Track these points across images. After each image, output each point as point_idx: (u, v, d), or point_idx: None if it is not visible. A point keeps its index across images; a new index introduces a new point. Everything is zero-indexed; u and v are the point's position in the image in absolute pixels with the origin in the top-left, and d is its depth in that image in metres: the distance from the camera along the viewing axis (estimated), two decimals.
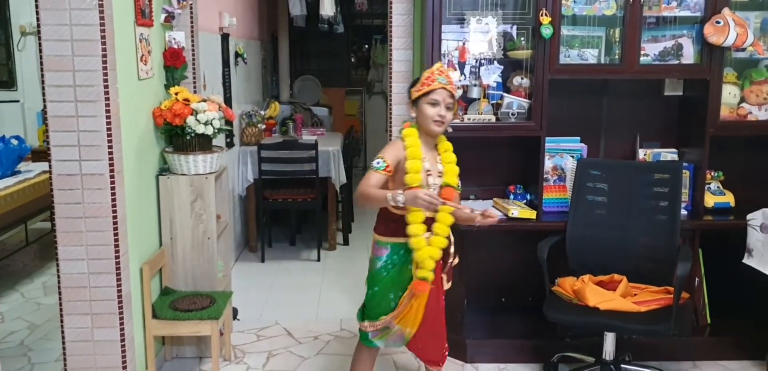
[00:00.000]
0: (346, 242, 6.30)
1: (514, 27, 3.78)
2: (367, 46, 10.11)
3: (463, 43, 3.73)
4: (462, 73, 3.75)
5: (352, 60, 10.20)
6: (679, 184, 3.38)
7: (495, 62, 3.75)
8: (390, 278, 2.89)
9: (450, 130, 3.00)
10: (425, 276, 2.78)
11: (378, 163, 2.81)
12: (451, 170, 2.89)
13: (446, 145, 2.93)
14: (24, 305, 4.83)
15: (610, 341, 3.31)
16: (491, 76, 3.76)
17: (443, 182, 2.87)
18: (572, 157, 3.83)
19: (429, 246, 2.78)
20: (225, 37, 5.43)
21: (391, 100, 4.10)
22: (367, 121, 10.05)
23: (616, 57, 3.68)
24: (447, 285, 3.00)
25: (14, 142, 5.58)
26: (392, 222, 2.86)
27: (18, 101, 7.38)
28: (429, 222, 2.80)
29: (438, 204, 2.68)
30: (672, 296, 3.18)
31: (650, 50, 3.70)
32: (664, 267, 3.35)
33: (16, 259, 5.80)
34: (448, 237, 2.84)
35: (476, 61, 3.77)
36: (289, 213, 6.34)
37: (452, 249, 2.91)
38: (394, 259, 2.89)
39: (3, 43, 7.43)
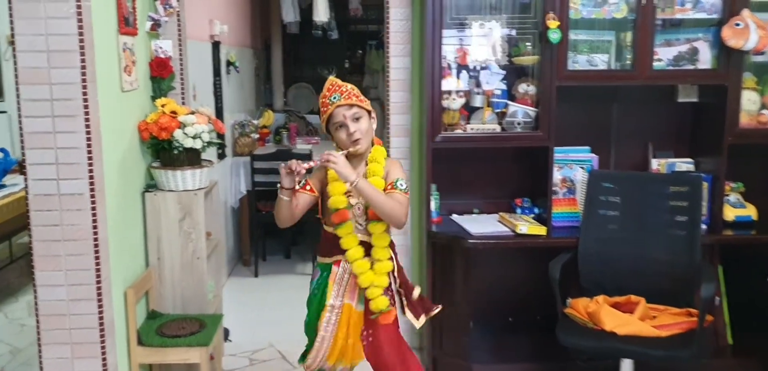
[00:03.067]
0: None
1: (514, 31, 3.58)
2: (360, 51, 9.90)
3: (463, 48, 3.53)
4: (469, 77, 3.55)
5: (347, 66, 10.00)
6: (699, 197, 3.19)
7: (498, 68, 3.55)
8: (315, 304, 2.68)
9: (374, 126, 2.66)
10: (379, 308, 2.56)
11: (300, 182, 2.61)
12: (375, 182, 2.54)
13: (377, 156, 2.61)
14: (6, 326, 4.62)
15: (627, 368, 3.10)
16: (494, 82, 3.57)
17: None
18: (582, 168, 3.63)
19: (372, 272, 2.56)
20: (216, 45, 5.23)
21: (388, 110, 3.89)
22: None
23: (628, 62, 3.49)
24: (418, 324, 2.69)
25: None
26: (324, 242, 2.68)
27: (5, 112, 7.16)
28: (365, 246, 2.59)
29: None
30: (694, 318, 2.98)
31: (663, 55, 3.50)
32: (684, 286, 3.16)
33: (0, 277, 5.57)
34: (390, 259, 2.62)
35: (477, 67, 3.57)
36: None
37: (396, 279, 2.65)
38: (320, 282, 2.68)
39: None
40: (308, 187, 2.61)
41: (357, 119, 2.55)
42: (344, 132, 2.55)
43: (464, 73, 3.57)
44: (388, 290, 2.61)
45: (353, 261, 2.57)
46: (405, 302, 2.68)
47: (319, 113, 2.65)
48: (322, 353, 2.66)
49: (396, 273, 2.65)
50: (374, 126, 2.65)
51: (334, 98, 2.55)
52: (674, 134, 3.81)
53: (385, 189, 2.55)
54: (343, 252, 2.60)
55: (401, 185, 2.56)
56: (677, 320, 3.05)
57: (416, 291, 2.71)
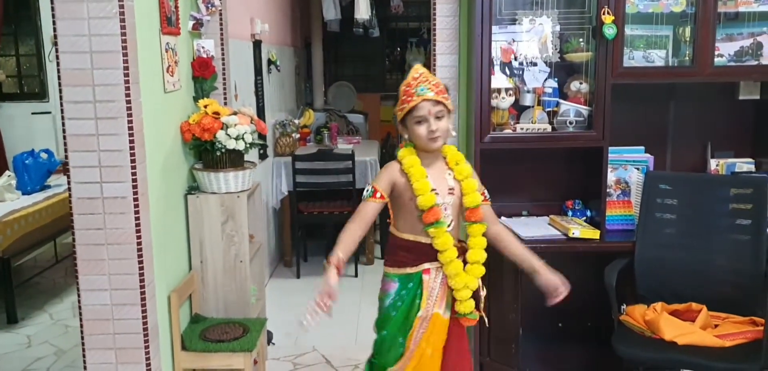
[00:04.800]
0: (383, 255, 5.99)
1: (565, 26, 3.43)
2: (399, 49, 9.79)
3: (509, 44, 3.41)
4: (511, 75, 3.42)
5: (387, 64, 9.92)
6: (764, 199, 3.01)
7: (544, 66, 3.42)
8: (399, 317, 2.51)
9: (454, 134, 2.59)
10: (466, 311, 2.47)
11: (367, 190, 2.49)
12: (469, 186, 2.51)
13: (456, 156, 2.55)
14: (52, 327, 4.64)
15: None
16: (541, 80, 3.44)
17: (466, 203, 2.50)
18: (637, 169, 3.48)
19: (465, 274, 2.46)
20: (257, 44, 5.18)
21: None
22: None
23: (686, 58, 3.32)
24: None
25: (44, 155, 5.44)
26: (401, 251, 2.53)
27: (49, 113, 7.27)
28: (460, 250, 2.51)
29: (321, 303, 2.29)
30: (760, 328, 2.82)
31: (724, 50, 3.32)
32: (747, 294, 2.99)
33: (46, 277, 5.63)
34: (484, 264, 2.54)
35: (522, 64, 3.44)
36: (325, 226, 6.05)
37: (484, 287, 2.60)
38: (403, 294, 2.51)
39: (34, 54, 7.34)
40: (378, 194, 2.47)
41: (439, 117, 2.42)
42: (425, 128, 2.41)
43: (507, 71, 3.44)
44: (475, 294, 2.53)
45: (449, 261, 2.45)
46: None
47: (399, 100, 2.48)
48: (402, 367, 2.53)
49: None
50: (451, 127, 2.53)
51: (422, 90, 2.40)
52: (734, 133, 3.62)
53: (483, 202, 2.54)
54: (430, 258, 2.48)
55: (488, 196, 2.55)
56: (741, 329, 2.89)
57: (483, 292, 2.62)
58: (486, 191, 2.58)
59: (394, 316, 2.52)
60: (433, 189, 2.44)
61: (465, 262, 2.50)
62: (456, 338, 2.55)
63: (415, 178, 2.43)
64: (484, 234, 2.54)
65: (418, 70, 2.48)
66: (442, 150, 2.52)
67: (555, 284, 2.51)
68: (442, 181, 2.49)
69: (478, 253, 2.50)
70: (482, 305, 2.58)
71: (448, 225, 2.47)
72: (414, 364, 2.51)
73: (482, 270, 2.51)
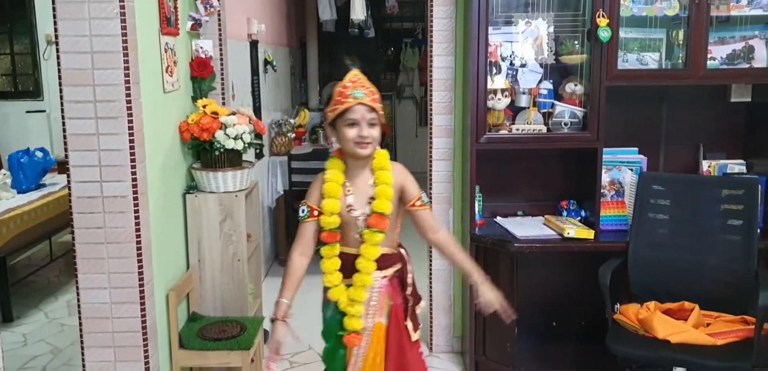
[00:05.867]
0: None
1: (561, 29, 3.47)
2: (392, 49, 9.82)
3: (499, 46, 3.45)
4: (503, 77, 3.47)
5: (381, 64, 9.94)
6: (755, 201, 3.06)
7: (537, 67, 3.47)
8: (337, 329, 2.48)
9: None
10: (353, 327, 2.41)
11: (303, 210, 2.45)
12: (383, 193, 2.38)
13: (381, 162, 2.43)
14: (47, 326, 4.64)
15: None
16: (536, 81, 3.48)
17: (373, 208, 2.39)
18: (631, 170, 3.52)
19: (353, 289, 2.42)
20: (254, 44, 5.20)
21: (431, 111, 3.82)
22: (397, 126, 9.81)
23: (679, 61, 3.37)
24: (415, 336, 2.54)
25: (39, 154, 5.43)
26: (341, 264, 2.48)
27: (44, 111, 7.26)
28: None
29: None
30: (751, 327, 2.86)
31: (717, 53, 3.38)
32: (738, 293, 3.03)
33: (41, 275, 5.62)
34: (399, 277, 2.49)
35: (516, 65, 3.48)
36: None
37: (410, 291, 2.53)
38: (340, 308, 2.47)
39: (29, 52, 7.33)
40: (316, 212, 2.42)
41: (372, 125, 2.36)
42: (356, 131, 2.33)
43: (502, 72, 3.48)
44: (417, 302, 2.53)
45: (332, 286, 2.43)
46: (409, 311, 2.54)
47: (330, 103, 2.42)
48: None
49: (409, 281, 2.53)
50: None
51: (358, 93, 2.34)
52: (726, 135, 3.68)
53: (412, 205, 2.44)
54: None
55: (426, 200, 2.48)
56: (732, 328, 2.93)
57: (421, 304, 2.59)
58: (424, 195, 2.49)
59: (334, 330, 2.50)
60: (348, 206, 2.39)
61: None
62: (408, 347, 2.51)
63: (327, 193, 2.39)
64: (431, 241, 2.52)
65: (355, 74, 2.42)
66: (373, 158, 2.44)
67: (490, 303, 2.44)
68: (364, 191, 2.43)
69: (367, 264, 2.40)
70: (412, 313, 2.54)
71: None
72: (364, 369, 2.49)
73: (369, 281, 2.41)
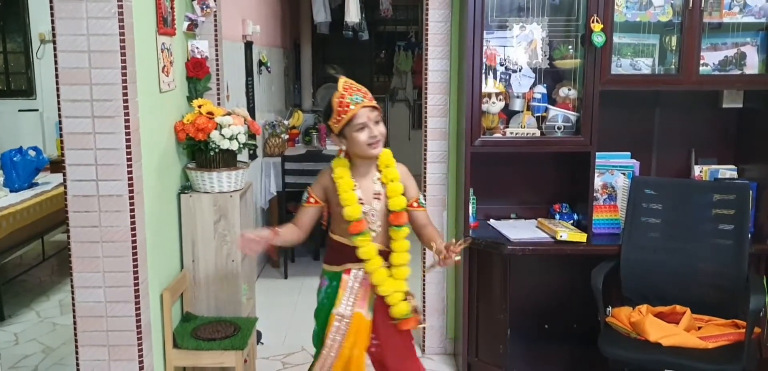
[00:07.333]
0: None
1: (555, 33, 3.50)
2: (384, 52, 9.84)
3: (493, 50, 3.48)
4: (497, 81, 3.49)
5: (374, 67, 9.97)
6: (746, 205, 3.09)
7: (530, 71, 3.49)
8: (327, 311, 2.63)
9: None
10: (402, 314, 2.55)
11: (304, 195, 2.65)
12: (394, 190, 2.57)
13: (387, 159, 2.61)
14: (39, 325, 4.63)
15: None
16: (528, 85, 3.50)
17: (390, 207, 2.57)
18: (623, 174, 3.55)
19: (392, 279, 2.56)
20: (248, 45, 5.21)
21: (426, 113, 3.84)
22: (390, 129, 9.83)
23: (672, 66, 3.40)
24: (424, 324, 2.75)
25: (32, 153, 5.41)
26: (332, 250, 2.66)
27: (37, 110, 7.23)
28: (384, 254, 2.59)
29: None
30: (741, 330, 2.90)
31: (709, 59, 3.42)
32: (729, 297, 3.07)
33: (33, 275, 5.61)
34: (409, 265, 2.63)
35: (509, 69, 3.51)
36: None
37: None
38: (329, 292, 2.65)
39: (22, 51, 7.30)
40: (312, 199, 2.62)
41: (377, 122, 2.52)
42: (367, 133, 2.49)
43: (496, 75, 3.51)
44: (409, 296, 2.62)
45: (374, 270, 2.55)
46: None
47: (332, 115, 2.53)
48: (329, 364, 2.62)
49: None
50: None
51: (357, 99, 2.49)
52: (717, 140, 3.71)
53: (410, 206, 2.59)
54: (353, 260, 2.58)
55: (423, 202, 2.63)
56: (724, 331, 2.97)
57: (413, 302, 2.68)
58: (422, 197, 2.66)
59: (322, 311, 2.67)
60: (359, 200, 2.54)
61: (390, 266, 2.59)
62: (394, 338, 2.61)
63: (343, 189, 2.54)
64: (421, 235, 2.64)
65: (346, 82, 2.56)
66: (378, 156, 2.58)
67: (439, 251, 2.43)
68: (369, 187, 2.58)
69: (401, 257, 2.58)
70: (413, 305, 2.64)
71: (374, 233, 2.57)
72: (342, 363, 2.60)
73: (408, 272, 2.59)
